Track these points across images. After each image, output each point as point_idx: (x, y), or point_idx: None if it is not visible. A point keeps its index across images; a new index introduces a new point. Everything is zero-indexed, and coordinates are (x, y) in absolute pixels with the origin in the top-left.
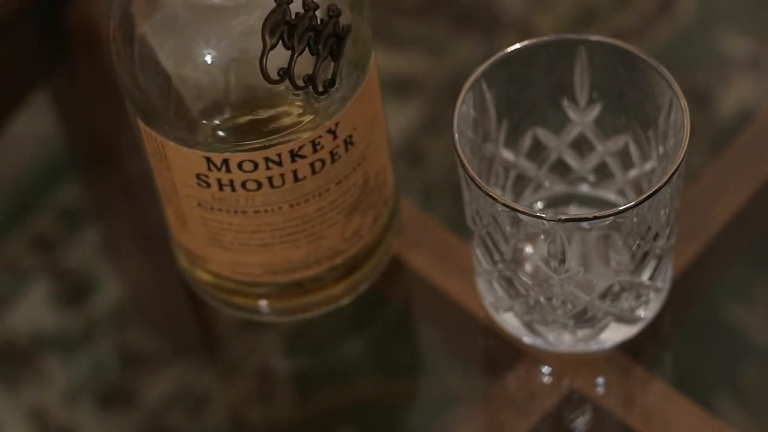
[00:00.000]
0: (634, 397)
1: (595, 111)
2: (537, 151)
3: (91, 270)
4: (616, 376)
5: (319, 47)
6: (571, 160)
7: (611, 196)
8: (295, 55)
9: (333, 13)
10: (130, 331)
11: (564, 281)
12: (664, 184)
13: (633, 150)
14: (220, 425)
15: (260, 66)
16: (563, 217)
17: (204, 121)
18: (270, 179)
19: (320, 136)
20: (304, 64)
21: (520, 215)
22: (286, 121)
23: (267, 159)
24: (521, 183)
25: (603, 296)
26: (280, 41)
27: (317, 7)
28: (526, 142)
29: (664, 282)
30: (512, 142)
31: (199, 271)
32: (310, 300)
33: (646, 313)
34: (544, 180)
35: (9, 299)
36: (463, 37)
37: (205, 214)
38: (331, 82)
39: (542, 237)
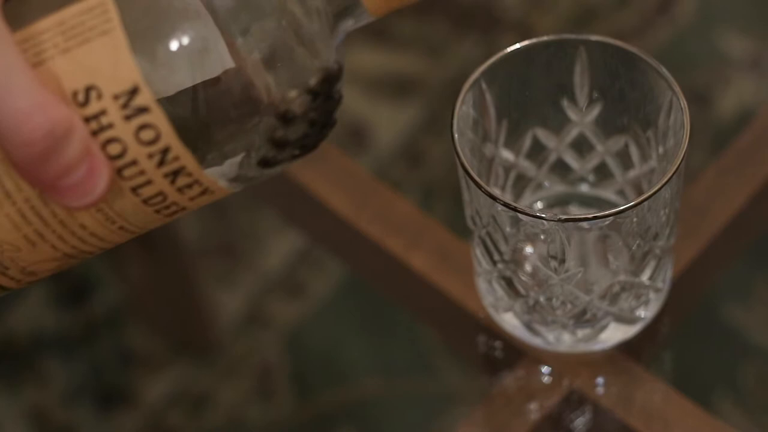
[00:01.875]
0: (634, 397)
1: (595, 111)
2: (537, 151)
3: (91, 270)
4: (616, 376)
5: None
6: (571, 160)
7: (611, 196)
8: None
9: None
10: (130, 331)
11: (564, 281)
12: (664, 184)
13: (633, 150)
14: (220, 425)
15: None
16: (563, 217)
17: None
18: None
19: None
20: None
21: (519, 215)
22: None
23: None
24: (521, 183)
25: (603, 296)
26: None
27: None
28: (526, 142)
29: (664, 282)
30: (512, 142)
31: None
32: None
33: (645, 313)
34: (544, 180)
35: (9, 299)
36: (463, 37)
37: None
38: None
39: (542, 237)
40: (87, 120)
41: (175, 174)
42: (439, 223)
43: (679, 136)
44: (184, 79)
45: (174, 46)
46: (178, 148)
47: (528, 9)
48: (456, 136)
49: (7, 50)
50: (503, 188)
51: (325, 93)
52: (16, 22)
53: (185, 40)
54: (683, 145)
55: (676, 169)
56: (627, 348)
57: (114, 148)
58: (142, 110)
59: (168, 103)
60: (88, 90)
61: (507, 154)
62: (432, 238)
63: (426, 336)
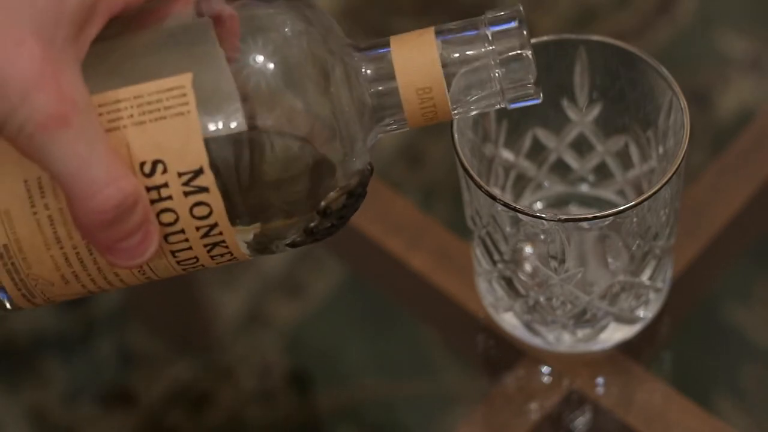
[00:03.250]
0: (634, 397)
1: (595, 111)
2: (537, 151)
3: None
4: (616, 376)
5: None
6: (571, 160)
7: (611, 196)
8: None
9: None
10: (130, 331)
11: (564, 281)
12: (664, 184)
13: (633, 150)
14: (220, 425)
15: None
16: (563, 217)
17: None
18: None
19: None
20: None
21: (519, 215)
22: None
23: None
24: (521, 183)
25: (603, 296)
26: None
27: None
28: (526, 142)
29: (664, 282)
30: (512, 142)
31: None
32: None
33: (645, 313)
34: (544, 180)
35: None
36: None
37: None
38: None
39: (542, 237)
40: (148, 189)
41: (214, 245)
42: (439, 223)
43: (679, 136)
44: (235, 167)
45: (230, 132)
46: (224, 226)
47: (528, 9)
48: (456, 136)
49: (91, 120)
50: (503, 188)
51: (360, 193)
52: (90, 81)
53: (238, 127)
54: (683, 145)
55: (676, 169)
56: (627, 348)
57: (167, 217)
58: (202, 190)
59: (220, 185)
60: (155, 163)
61: (507, 154)
62: (432, 238)
63: (426, 336)
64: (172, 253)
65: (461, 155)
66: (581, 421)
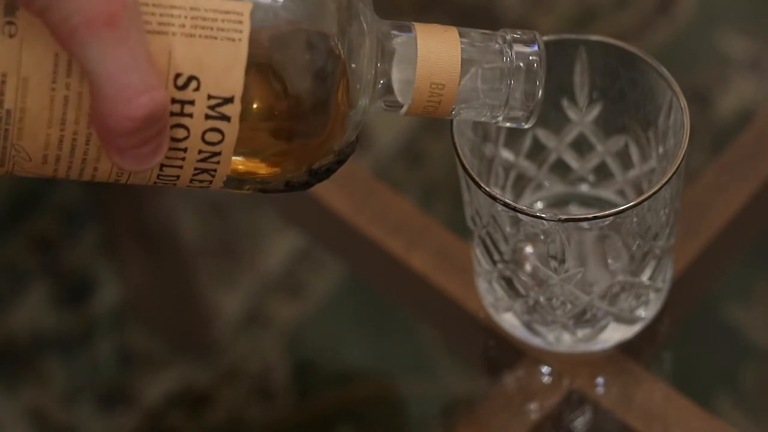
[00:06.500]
0: (634, 397)
1: (595, 111)
2: (537, 151)
3: (91, 270)
4: (616, 376)
5: None
6: (571, 160)
7: (611, 196)
8: None
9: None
10: (130, 331)
11: (564, 281)
12: (664, 184)
13: (633, 150)
14: (220, 425)
15: None
16: (563, 217)
17: None
18: None
19: None
20: None
21: (519, 215)
22: None
23: None
24: (521, 183)
25: (603, 296)
26: None
27: None
28: (526, 142)
29: (664, 282)
30: (512, 142)
31: None
32: None
33: (645, 313)
34: (544, 180)
35: (9, 299)
36: None
37: None
38: None
39: (542, 237)
40: (173, 101)
41: (203, 171)
42: (439, 223)
43: (679, 136)
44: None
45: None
46: (225, 157)
47: (528, 9)
48: (456, 136)
49: (137, 24)
50: (503, 188)
51: (345, 159)
52: None
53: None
54: (683, 145)
55: (676, 169)
56: (627, 348)
57: (178, 133)
58: (224, 118)
59: (242, 118)
60: (191, 78)
61: (507, 154)
62: (432, 238)
63: (426, 336)
64: (161, 166)
65: (461, 155)
66: (581, 421)
